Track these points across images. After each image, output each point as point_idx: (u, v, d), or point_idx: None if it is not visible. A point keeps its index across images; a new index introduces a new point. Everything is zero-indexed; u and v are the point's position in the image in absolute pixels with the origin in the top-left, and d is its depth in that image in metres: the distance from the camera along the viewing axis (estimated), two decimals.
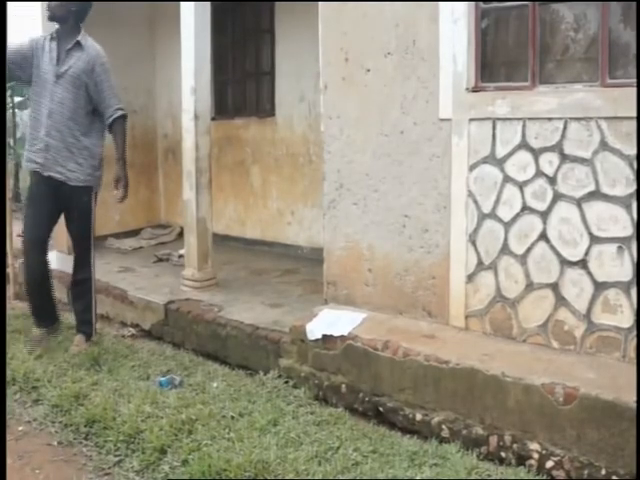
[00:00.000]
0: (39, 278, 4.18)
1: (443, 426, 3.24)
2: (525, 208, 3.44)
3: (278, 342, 3.92)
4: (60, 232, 6.50)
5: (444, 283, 3.72)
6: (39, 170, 4.07)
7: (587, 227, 3.25)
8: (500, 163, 3.49)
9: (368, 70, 3.92)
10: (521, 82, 3.49)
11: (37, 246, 4.16)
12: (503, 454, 3.06)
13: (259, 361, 3.97)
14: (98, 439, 3.10)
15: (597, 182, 3.21)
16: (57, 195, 4.09)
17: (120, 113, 4.11)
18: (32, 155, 4.08)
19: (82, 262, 4.23)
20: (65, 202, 4.12)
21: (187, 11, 4.83)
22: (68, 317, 5.02)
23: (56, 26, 4.12)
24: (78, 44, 4.04)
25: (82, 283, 4.25)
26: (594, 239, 3.24)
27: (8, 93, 12.04)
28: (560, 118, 3.28)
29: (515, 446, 3.03)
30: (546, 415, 2.95)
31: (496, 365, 3.16)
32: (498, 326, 3.56)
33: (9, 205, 5.94)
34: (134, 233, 6.98)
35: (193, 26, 4.80)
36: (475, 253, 3.61)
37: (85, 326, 4.27)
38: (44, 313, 4.26)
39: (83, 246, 4.21)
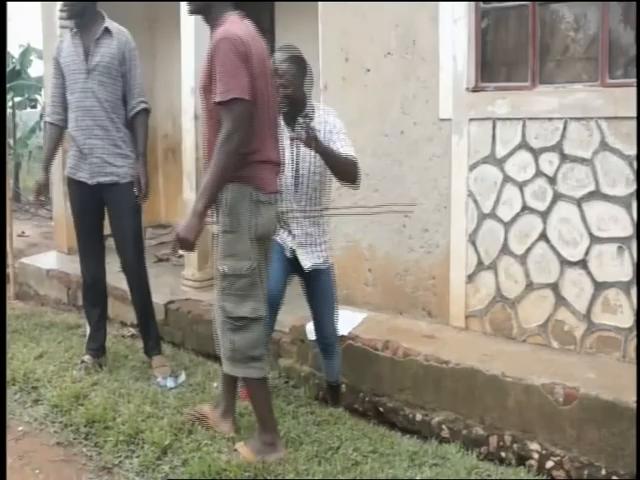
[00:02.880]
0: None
1: (443, 426, 3.24)
2: (525, 208, 3.44)
3: (278, 342, 3.92)
4: (60, 231, 6.52)
5: (444, 283, 3.72)
6: (84, 179, 3.69)
7: (587, 227, 3.25)
8: (500, 163, 3.49)
9: (368, 70, 3.92)
10: (521, 82, 3.49)
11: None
12: (503, 454, 3.06)
13: None
14: (98, 439, 3.09)
15: (597, 182, 3.21)
16: (105, 200, 3.72)
17: (143, 106, 3.77)
18: (77, 161, 3.70)
19: (139, 264, 3.81)
20: (114, 204, 3.72)
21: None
22: (67, 317, 5.04)
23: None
24: (107, 31, 3.69)
25: (144, 286, 3.86)
26: (594, 239, 3.24)
27: (9, 94, 12.04)
28: (560, 118, 3.28)
29: (515, 446, 3.03)
30: (546, 415, 2.95)
31: (496, 365, 3.16)
32: (498, 326, 3.56)
33: (9, 205, 5.93)
34: None
35: (193, 26, 4.79)
36: (475, 253, 3.61)
37: (154, 336, 3.91)
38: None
39: (138, 245, 3.80)
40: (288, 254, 3.20)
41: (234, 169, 2.55)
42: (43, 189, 3.81)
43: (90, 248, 3.85)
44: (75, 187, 3.77)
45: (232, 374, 2.79)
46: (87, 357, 3.83)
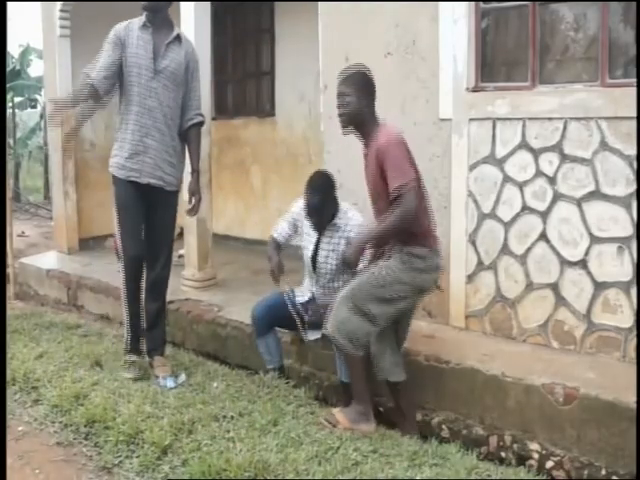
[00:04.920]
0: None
1: (443, 426, 3.24)
2: (525, 208, 3.44)
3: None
4: (60, 231, 6.53)
5: (444, 283, 3.72)
6: (135, 179, 3.64)
7: (587, 227, 3.25)
8: (500, 163, 3.49)
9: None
10: (521, 82, 3.49)
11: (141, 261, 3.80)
12: (503, 454, 3.06)
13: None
14: (98, 439, 3.09)
15: (597, 182, 3.21)
16: (147, 203, 3.69)
17: (200, 119, 3.79)
18: (125, 161, 3.64)
19: (166, 268, 3.87)
20: (157, 207, 3.72)
21: (187, 11, 4.83)
22: (67, 317, 5.04)
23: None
24: (178, 38, 3.69)
25: (165, 289, 3.93)
26: (594, 239, 3.24)
27: (9, 94, 12.04)
28: (560, 118, 3.28)
29: (515, 446, 3.04)
30: (546, 415, 2.95)
31: (496, 365, 3.16)
32: (498, 326, 3.56)
33: (9, 205, 5.93)
34: None
35: (193, 26, 4.79)
36: (475, 253, 3.61)
37: (161, 337, 3.92)
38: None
39: (166, 249, 3.85)
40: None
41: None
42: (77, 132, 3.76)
43: (136, 231, 3.74)
44: (121, 184, 3.69)
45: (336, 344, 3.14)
46: (133, 356, 3.76)
